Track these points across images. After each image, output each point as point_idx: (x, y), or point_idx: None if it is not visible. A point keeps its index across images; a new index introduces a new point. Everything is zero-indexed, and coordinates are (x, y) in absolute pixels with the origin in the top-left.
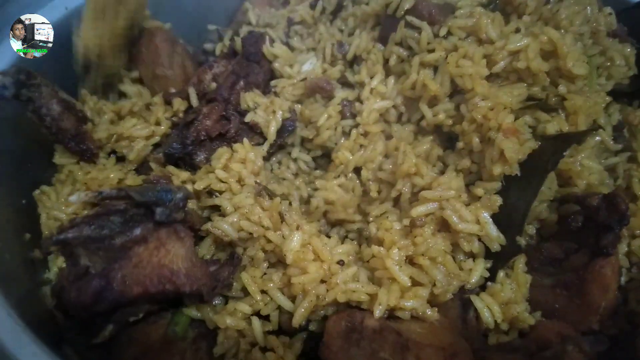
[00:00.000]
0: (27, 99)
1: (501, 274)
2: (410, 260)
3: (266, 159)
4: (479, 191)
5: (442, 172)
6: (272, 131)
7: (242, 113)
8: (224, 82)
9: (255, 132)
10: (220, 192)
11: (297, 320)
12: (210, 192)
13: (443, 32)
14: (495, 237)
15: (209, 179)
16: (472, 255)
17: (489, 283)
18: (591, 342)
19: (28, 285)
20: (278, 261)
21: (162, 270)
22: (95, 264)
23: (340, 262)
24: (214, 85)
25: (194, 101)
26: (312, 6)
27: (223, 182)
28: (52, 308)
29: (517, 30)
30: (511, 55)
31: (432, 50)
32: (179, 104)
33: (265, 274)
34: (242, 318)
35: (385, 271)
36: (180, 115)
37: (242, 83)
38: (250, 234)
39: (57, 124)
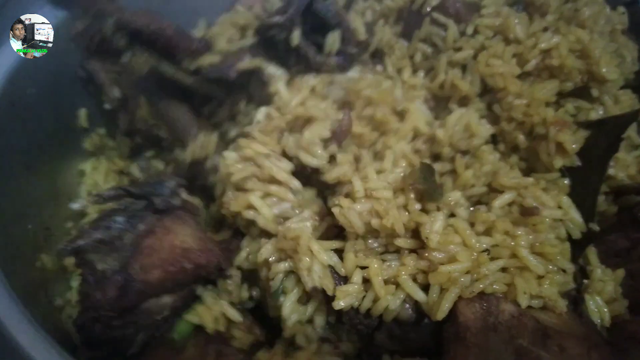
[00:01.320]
0: None
1: (599, 270)
2: (531, 249)
3: None
4: (541, 183)
5: None
6: (362, 29)
7: None
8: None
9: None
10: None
11: (442, 314)
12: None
13: (470, 30)
14: (579, 222)
15: None
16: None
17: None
18: None
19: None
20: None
21: (176, 250)
22: (111, 265)
23: (487, 252)
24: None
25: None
26: None
27: None
28: (78, 344)
29: (545, 29)
30: (542, 54)
31: (459, 49)
32: None
33: (385, 260)
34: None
35: (514, 260)
36: None
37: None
38: (377, 231)
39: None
